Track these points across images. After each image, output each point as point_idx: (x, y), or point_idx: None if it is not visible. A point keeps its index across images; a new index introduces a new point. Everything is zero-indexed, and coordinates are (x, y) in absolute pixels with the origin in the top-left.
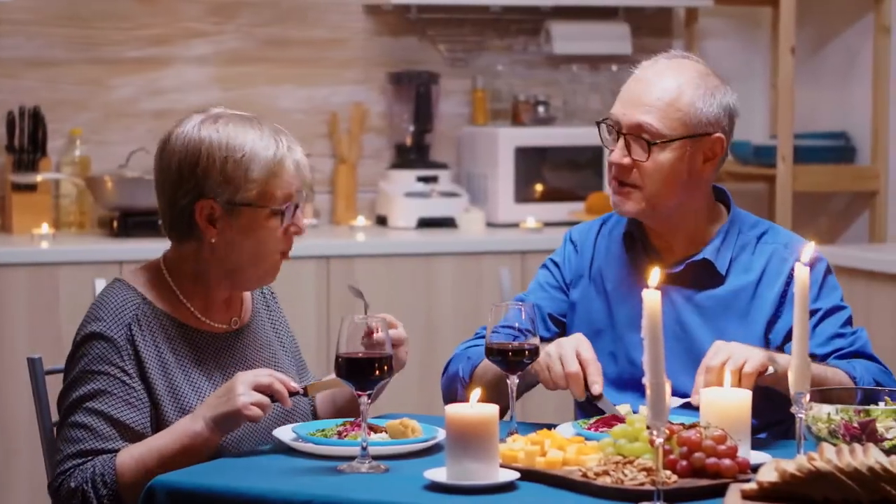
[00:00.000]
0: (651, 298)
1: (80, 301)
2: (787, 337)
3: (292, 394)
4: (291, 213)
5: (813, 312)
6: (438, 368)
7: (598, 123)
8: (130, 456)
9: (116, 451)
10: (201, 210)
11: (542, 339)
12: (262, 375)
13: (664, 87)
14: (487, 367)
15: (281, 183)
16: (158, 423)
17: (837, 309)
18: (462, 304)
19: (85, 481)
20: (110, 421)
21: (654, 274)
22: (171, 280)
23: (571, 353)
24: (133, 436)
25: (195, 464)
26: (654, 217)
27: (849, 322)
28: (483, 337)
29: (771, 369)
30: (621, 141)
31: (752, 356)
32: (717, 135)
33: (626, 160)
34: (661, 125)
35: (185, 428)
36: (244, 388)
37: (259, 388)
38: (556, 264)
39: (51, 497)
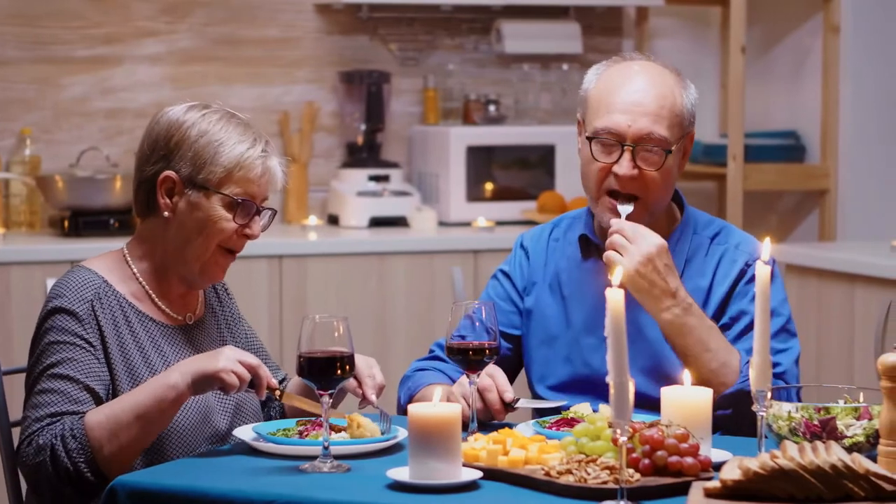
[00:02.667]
0: (614, 297)
1: (32, 301)
2: (724, 326)
3: (268, 389)
4: (249, 213)
5: (745, 315)
6: (391, 367)
7: (589, 139)
8: (99, 411)
9: (85, 414)
10: (163, 181)
11: None
12: (252, 357)
13: (661, 94)
14: (423, 397)
15: (244, 179)
16: None
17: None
18: (415, 303)
19: (54, 437)
20: (81, 386)
21: (619, 272)
22: (132, 265)
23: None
24: (99, 404)
25: (166, 421)
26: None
27: (784, 329)
28: (436, 358)
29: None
30: (627, 154)
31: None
32: (692, 131)
33: (636, 171)
34: (668, 133)
35: (158, 381)
36: (230, 355)
37: (244, 365)
38: (506, 274)
39: (18, 465)
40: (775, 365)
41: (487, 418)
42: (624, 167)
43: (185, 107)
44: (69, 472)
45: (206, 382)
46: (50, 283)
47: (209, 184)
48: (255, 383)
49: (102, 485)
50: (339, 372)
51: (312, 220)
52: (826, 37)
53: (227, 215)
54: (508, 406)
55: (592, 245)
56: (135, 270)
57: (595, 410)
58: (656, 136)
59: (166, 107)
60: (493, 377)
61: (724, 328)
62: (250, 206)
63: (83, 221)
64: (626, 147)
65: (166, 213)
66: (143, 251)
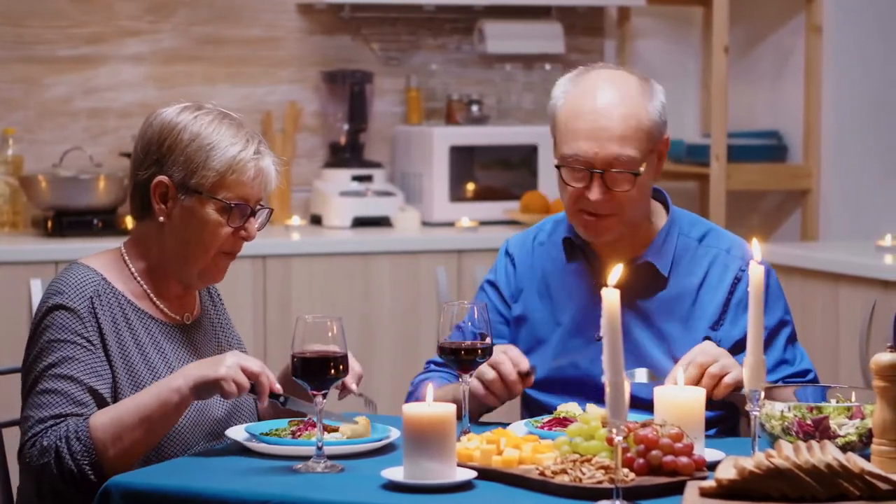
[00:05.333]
0: (610, 297)
1: (16, 302)
2: (734, 348)
3: (271, 395)
4: (243, 216)
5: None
6: (376, 367)
7: (558, 167)
8: (104, 414)
9: (89, 416)
10: (156, 186)
11: None
12: (255, 364)
13: (626, 113)
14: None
15: (237, 182)
16: (114, 400)
17: (781, 325)
18: (399, 303)
19: (59, 438)
20: (83, 387)
21: (615, 272)
22: (130, 265)
23: (497, 354)
24: (102, 405)
25: (170, 424)
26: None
27: (791, 339)
28: (433, 371)
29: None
30: (597, 179)
31: (735, 370)
32: (665, 135)
33: (607, 195)
34: (637, 152)
35: (162, 384)
36: (232, 363)
37: (246, 372)
38: (492, 284)
39: (20, 463)
40: (808, 372)
41: (504, 396)
42: (594, 193)
43: (179, 108)
44: (73, 474)
45: (208, 389)
46: (34, 283)
47: (202, 188)
48: (256, 390)
49: None
50: (332, 372)
51: (296, 220)
52: (808, 37)
53: (221, 220)
54: (525, 377)
55: (577, 247)
56: (132, 270)
57: (584, 410)
58: (624, 159)
59: (158, 108)
60: (505, 351)
61: (743, 342)
62: (244, 208)
63: (67, 221)
64: (594, 173)
65: (161, 219)
66: (139, 252)
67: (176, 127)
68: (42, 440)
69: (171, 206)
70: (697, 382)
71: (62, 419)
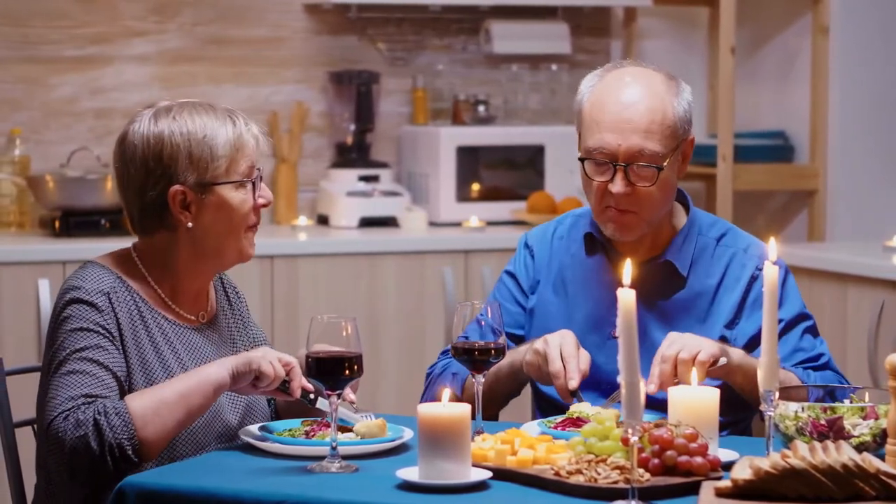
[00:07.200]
0: (626, 297)
1: (23, 302)
2: (748, 345)
3: (302, 394)
4: (256, 183)
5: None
6: (381, 368)
7: (581, 160)
8: (141, 394)
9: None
10: (174, 197)
11: None
12: (289, 356)
13: (651, 107)
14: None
15: (244, 157)
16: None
17: (800, 318)
18: (405, 303)
19: (97, 412)
20: (110, 373)
21: (627, 270)
22: (142, 266)
23: (555, 350)
24: (122, 394)
25: (206, 407)
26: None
27: (810, 331)
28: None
29: (723, 360)
30: (619, 172)
31: (706, 346)
32: (691, 135)
33: (630, 189)
34: (661, 147)
35: (198, 370)
36: (269, 350)
37: (281, 362)
38: (511, 275)
39: (46, 437)
40: (820, 356)
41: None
42: (617, 186)
43: (148, 119)
44: (112, 447)
45: (245, 371)
46: (42, 283)
47: (218, 179)
48: (288, 384)
49: (137, 468)
50: (347, 372)
51: (302, 220)
52: (815, 37)
53: (241, 196)
54: (573, 393)
55: (597, 242)
56: (145, 272)
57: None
58: (648, 153)
59: (129, 124)
60: (564, 361)
61: (758, 338)
62: (255, 175)
63: (74, 222)
64: (618, 166)
65: (190, 224)
66: (152, 260)
67: (163, 135)
68: (77, 414)
69: (197, 209)
70: (673, 376)
71: (93, 399)
